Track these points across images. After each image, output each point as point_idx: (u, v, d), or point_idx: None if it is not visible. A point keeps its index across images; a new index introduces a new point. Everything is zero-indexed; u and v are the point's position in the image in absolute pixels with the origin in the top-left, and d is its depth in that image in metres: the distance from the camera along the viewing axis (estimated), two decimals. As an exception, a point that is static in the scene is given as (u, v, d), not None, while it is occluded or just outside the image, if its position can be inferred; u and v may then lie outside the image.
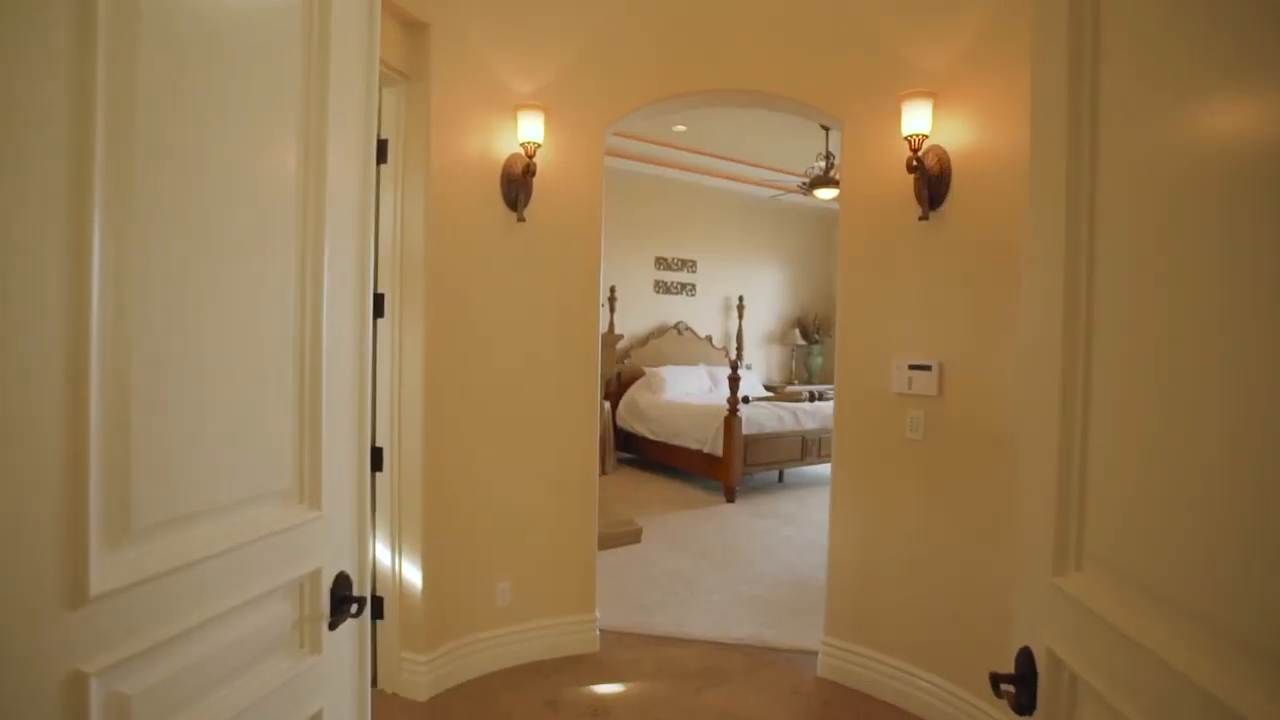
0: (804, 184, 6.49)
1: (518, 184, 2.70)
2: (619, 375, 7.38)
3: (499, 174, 2.71)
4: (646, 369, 7.48)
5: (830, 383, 9.13)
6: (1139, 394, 0.81)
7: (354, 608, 1.23)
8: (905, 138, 2.40)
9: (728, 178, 8.04)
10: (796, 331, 9.00)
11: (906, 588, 2.56)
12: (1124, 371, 0.85)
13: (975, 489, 2.36)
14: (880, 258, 2.64)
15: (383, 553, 2.58)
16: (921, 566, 2.51)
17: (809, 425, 6.34)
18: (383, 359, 2.56)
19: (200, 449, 0.94)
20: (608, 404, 6.89)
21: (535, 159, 2.65)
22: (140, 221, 0.82)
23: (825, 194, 6.30)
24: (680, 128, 6.57)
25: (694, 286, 8.37)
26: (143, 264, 0.82)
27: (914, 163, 2.39)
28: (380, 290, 2.55)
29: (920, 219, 2.46)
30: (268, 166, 1.05)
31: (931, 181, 2.44)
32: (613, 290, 7.41)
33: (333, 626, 1.19)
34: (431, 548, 2.58)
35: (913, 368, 2.52)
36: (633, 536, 4.58)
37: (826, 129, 6.17)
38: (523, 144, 2.63)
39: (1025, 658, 1.01)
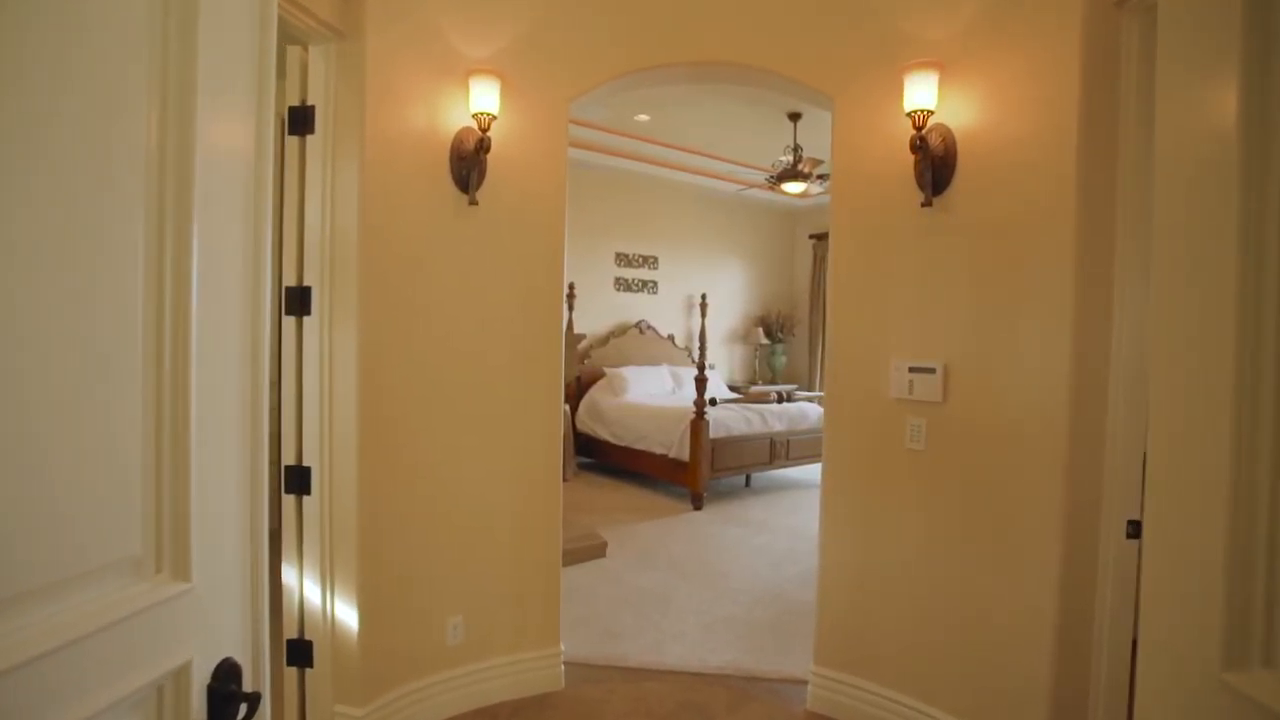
0: (771, 178, 6.27)
1: (470, 161, 2.36)
2: (578, 377, 7.05)
3: (448, 150, 2.37)
4: (607, 369, 7.17)
5: (794, 383, 8.99)
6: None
7: (243, 709, 0.90)
8: (908, 114, 2.15)
9: (691, 171, 7.78)
10: (760, 330, 8.81)
11: (906, 614, 2.31)
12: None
13: (986, 505, 2.13)
14: (877, 248, 2.38)
15: (311, 590, 2.21)
16: (923, 591, 2.27)
17: (777, 427, 6.13)
18: (309, 363, 2.19)
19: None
20: (567, 407, 6.55)
21: (489, 133, 2.31)
22: None
23: (793, 188, 6.09)
24: (643, 117, 6.27)
25: (656, 284, 8.10)
26: None
27: (918, 142, 2.14)
28: (306, 283, 2.19)
29: (923, 205, 2.21)
30: (90, 129, 0.72)
31: (935, 163, 2.20)
32: (571, 287, 7.06)
33: (208, 743, 0.86)
34: (370, 581, 2.23)
35: (914, 370, 2.28)
36: (597, 550, 4.27)
37: (795, 120, 5.97)
38: (475, 115, 2.29)
39: (1164, 768, 0.75)
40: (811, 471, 6.86)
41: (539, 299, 2.58)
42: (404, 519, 2.33)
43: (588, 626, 3.19)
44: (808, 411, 6.49)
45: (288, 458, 2.21)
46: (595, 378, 7.15)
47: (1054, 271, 1.97)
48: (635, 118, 6.28)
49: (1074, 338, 1.92)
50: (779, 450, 6.08)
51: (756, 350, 9.03)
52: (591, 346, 7.42)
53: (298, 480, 2.20)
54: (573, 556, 4.08)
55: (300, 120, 2.17)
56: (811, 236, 9.07)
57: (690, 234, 8.38)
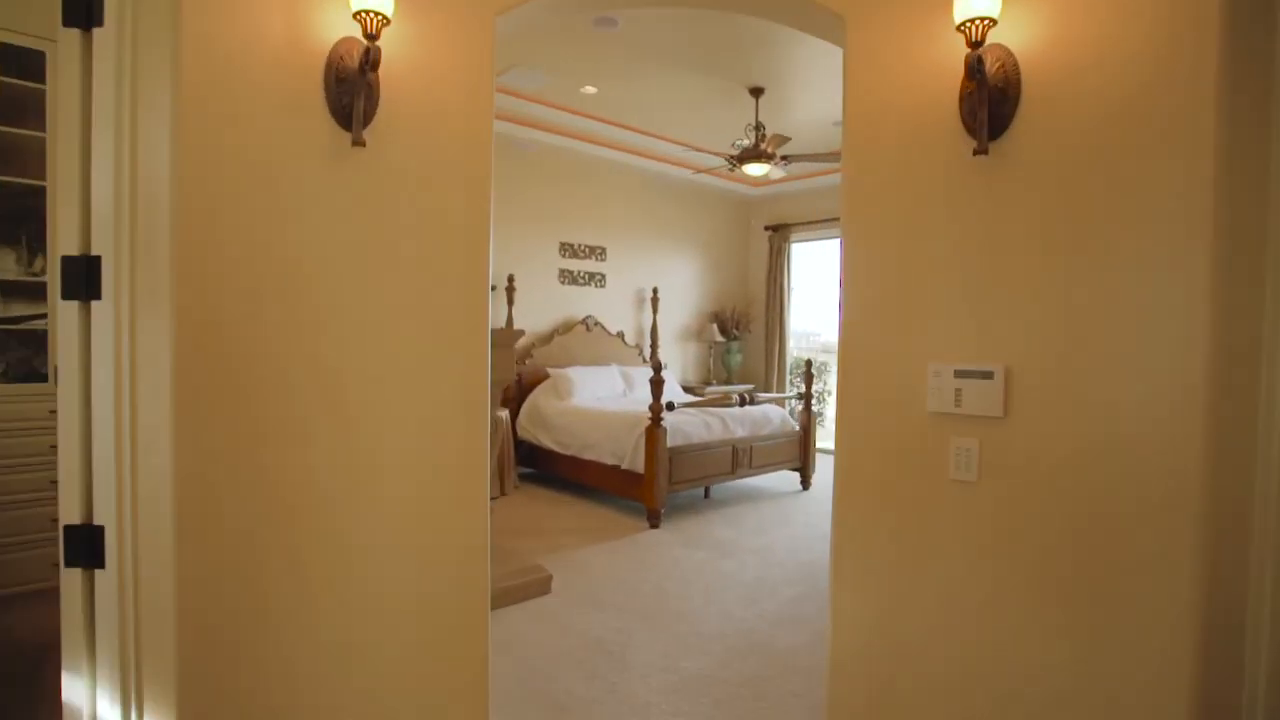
0: (731, 160, 5.71)
1: (353, 83, 1.67)
2: (519, 378, 6.35)
3: (321, 68, 1.68)
4: (551, 370, 6.49)
5: (750, 382, 8.48)
6: None
7: None
8: (959, 26, 1.58)
9: (642, 154, 7.17)
10: (714, 327, 8.27)
11: (951, 705, 1.74)
12: None
13: (1072, 561, 1.57)
14: (907, 216, 1.80)
15: (109, 714, 1.49)
16: (978, 681, 1.70)
17: (739, 433, 5.57)
18: (101, 370, 1.46)
19: None
20: (506, 412, 5.84)
21: (380, 42, 1.63)
22: None
23: (755, 170, 5.54)
24: (590, 89, 5.61)
25: (604, 276, 7.44)
26: None
27: (975, 64, 1.57)
28: (94, 252, 1.46)
29: (975, 153, 1.64)
30: None
31: (993, 98, 1.63)
32: (511, 279, 6.36)
33: None
34: (200, 695, 1.52)
35: (961, 375, 1.71)
36: (540, 587, 3.60)
37: (757, 95, 5.43)
38: (359, 15, 1.61)
39: None
40: (774, 480, 6.35)
41: (455, 278, 1.91)
42: (256, 592, 1.63)
43: (527, 696, 2.53)
44: (770, 415, 5.97)
45: (69, 514, 1.48)
46: (538, 379, 6.47)
47: (1176, 232, 1.42)
48: (581, 89, 5.62)
49: (1212, 331, 1.38)
50: (741, 458, 5.53)
51: (711, 348, 8.49)
52: (533, 344, 6.73)
53: (84, 546, 1.48)
54: (510, 596, 3.42)
55: (79, 5, 1.44)
56: (767, 228, 8.57)
57: (640, 223, 7.76)
